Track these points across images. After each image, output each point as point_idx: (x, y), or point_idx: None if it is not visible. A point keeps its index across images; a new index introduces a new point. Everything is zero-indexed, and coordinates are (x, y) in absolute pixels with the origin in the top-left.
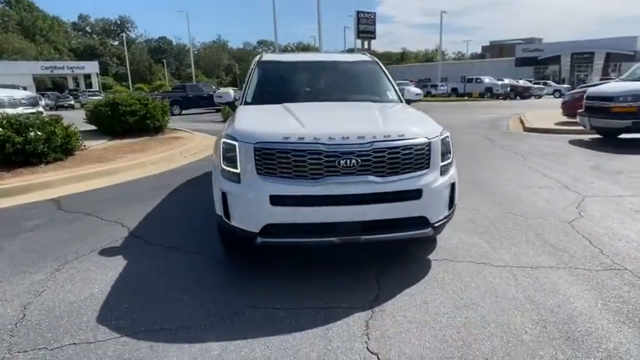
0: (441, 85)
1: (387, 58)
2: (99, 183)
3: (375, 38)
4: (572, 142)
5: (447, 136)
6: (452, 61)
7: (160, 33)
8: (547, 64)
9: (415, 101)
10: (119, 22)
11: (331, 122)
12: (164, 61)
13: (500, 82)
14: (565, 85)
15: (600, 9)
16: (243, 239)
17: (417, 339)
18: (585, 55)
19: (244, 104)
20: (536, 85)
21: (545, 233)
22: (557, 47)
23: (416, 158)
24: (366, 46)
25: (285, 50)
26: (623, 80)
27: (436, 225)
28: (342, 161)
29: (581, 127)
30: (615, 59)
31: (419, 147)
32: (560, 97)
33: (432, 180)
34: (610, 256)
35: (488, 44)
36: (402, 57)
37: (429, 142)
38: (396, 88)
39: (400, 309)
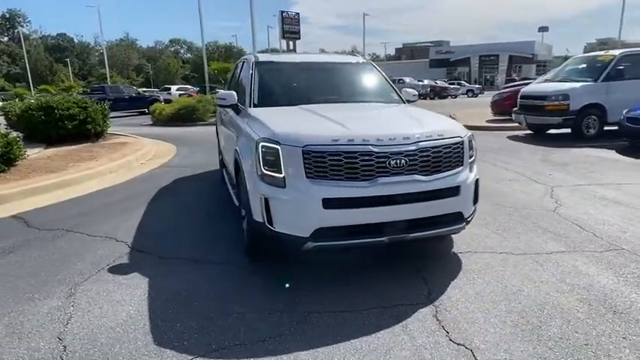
0: None
1: None
2: (60, 195)
3: (299, 39)
4: (510, 137)
5: (472, 134)
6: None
7: (57, 29)
8: (458, 65)
9: (413, 102)
10: (8, 16)
11: (370, 124)
12: (67, 60)
13: (420, 83)
14: (477, 86)
15: (498, 16)
16: (289, 245)
17: (490, 327)
18: (491, 58)
19: (253, 106)
20: (452, 86)
21: (540, 222)
22: (466, 50)
23: (454, 156)
24: (291, 47)
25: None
26: (549, 81)
27: (468, 220)
28: (392, 161)
29: (513, 124)
30: (517, 61)
31: (455, 145)
32: (472, 96)
33: (466, 177)
34: (604, 238)
35: (401, 46)
36: None
37: (462, 140)
38: (396, 89)
39: (458, 301)
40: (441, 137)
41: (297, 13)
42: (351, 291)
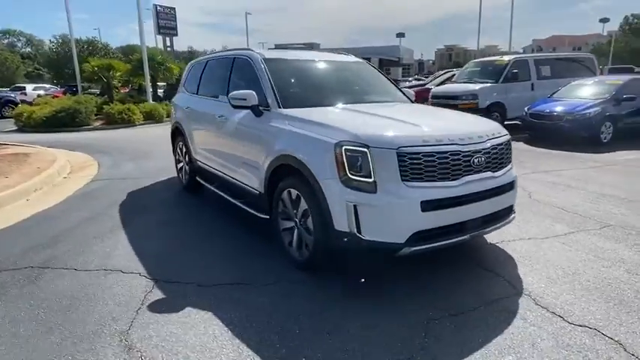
0: None
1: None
2: None
3: (177, 35)
4: None
5: None
6: None
7: None
8: None
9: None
10: None
11: (439, 124)
12: None
13: None
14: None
15: (358, 21)
16: (380, 252)
17: (596, 305)
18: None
19: (282, 107)
20: None
21: (532, 208)
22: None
23: (508, 152)
24: (168, 44)
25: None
26: (456, 82)
27: (515, 211)
28: (475, 159)
29: None
30: (386, 64)
31: (507, 142)
32: None
33: (514, 171)
34: (590, 217)
35: (273, 47)
36: (191, 57)
37: (509, 138)
38: (400, 88)
39: (546, 287)
40: (500, 135)
41: (173, 8)
42: (444, 292)
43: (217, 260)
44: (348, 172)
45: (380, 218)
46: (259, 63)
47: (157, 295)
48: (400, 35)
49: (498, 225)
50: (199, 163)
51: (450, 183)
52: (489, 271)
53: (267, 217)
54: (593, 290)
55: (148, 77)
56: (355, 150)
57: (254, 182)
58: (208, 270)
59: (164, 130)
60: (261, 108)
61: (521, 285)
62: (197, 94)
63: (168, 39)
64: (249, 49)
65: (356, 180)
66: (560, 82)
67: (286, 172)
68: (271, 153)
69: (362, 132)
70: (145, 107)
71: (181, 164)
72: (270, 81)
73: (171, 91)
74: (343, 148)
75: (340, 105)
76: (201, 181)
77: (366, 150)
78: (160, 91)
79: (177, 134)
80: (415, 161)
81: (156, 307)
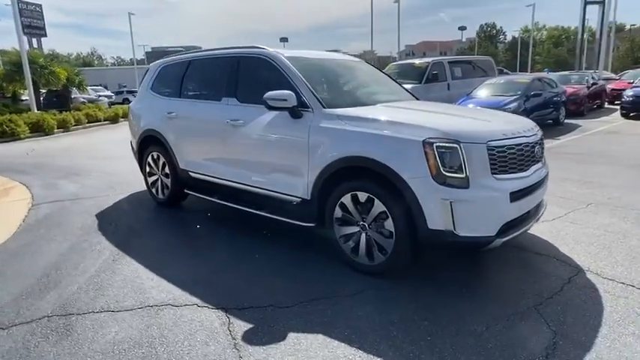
0: None
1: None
2: None
3: (46, 35)
4: None
5: None
6: (128, 67)
7: None
8: None
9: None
10: None
11: (495, 119)
12: None
13: None
14: None
15: (238, 24)
16: (471, 248)
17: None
18: None
19: (324, 108)
20: None
21: None
22: None
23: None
24: (35, 45)
25: None
26: None
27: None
28: (536, 150)
29: None
30: None
31: (542, 136)
32: None
33: None
34: (569, 198)
35: (150, 50)
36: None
37: None
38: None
39: (596, 262)
40: (539, 129)
41: (40, 5)
42: (522, 282)
43: (271, 277)
44: (441, 169)
45: (474, 213)
46: (285, 62)
47: (241, 324)
48: (284, 40)
49: (543, 211)
50: (192, 174)
51: (524, 173)
52: (539, 254)
53: (313, 224)
54: (634, 259)
55: (30, 83)
56: (447, 146)
57: (293, 189)
58: (271, 289)
59: (68, 142)
60: (302, 110)
61: (574, 263)
62: (180, 97)
63: (35, 40)
64: (260, 47)
65: (449, 176)
66: (469, 82)
67: (348, 175)
68: (327, 156)
69: (450, 128)
70: (30, 117)
71: (154, 177)
72: (304, 81)
73: (56, 98)
74: (434, 145)
75: (380, 103)
76: (194, 194)
77: (457, 146)
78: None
79: (151, 144)
80: (501, 154)
81: (255, 339)
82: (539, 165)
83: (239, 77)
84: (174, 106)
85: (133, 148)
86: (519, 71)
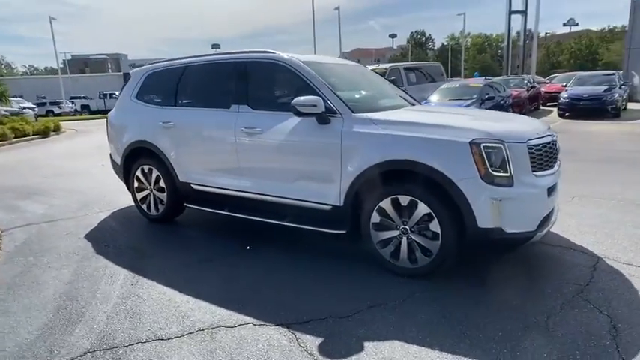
0: (67, 103)
1: None
2: None
3: None
4: None
5: None
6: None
7: None
8: None
9: None
10: None
11: (522, 120)
12: None
13: None
14: None
15: (166, 32)
16: (515, 244)
17: None
18: None
19: (354, 112)
20: None
21: None
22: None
23: None
24: None
25: None
26: None
27: None
28: (557, 149)
29: None
30: None
31: None
32: None
33: None
34: None
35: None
36: None
37: None
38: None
39: (607, 248)
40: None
41: None
42: (552, 275)
43: (312, 288)
44: (489, 169)
45: (519, 210)
46: (305, 67)
47: (310, 339)
48: (216, 46)
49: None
50: (195, 187)
51: (552, 170)
52: (556, 246)
53: (344, 231)
54: (638, 244)
55: None
56: (493, 147)
57: (322, 196)
58: (320, 300)
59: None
60: (329, 116)
61: (590, 251)
62: (176, 105)
63: None
64: (271, 52)
65: (496, 176)
66: (423, 87)
67: (388, 179)
68: (365, 161)
69: (492, 129)
70: None
71: (145, 193)
72: (328, 86)
73: None
74: (481, 145)
75: (402, 108)
76: (197, 208)
77: (502, 145)
78: None
79: (141, 157)
80: (537, 152)
81: (334, 352)
82: (558, 162)
83: (250, 83)
84: (171, 116)
85: (113, 162)
86: (452, 76)
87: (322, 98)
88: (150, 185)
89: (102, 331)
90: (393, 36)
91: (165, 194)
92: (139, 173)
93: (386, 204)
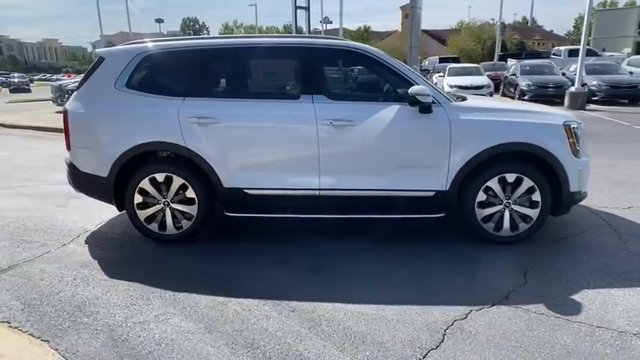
0: None
1: None
2: None
3: None
4: None
5: None
6: None
7: None
8: None
9: None
10: None
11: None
12: None
13: None
14: None
15: None
16: (579, 202)
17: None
18: None
19: (452, 101)
20: None
21: None
22: None
23: None
24: None
25: None
26: None
27: None
28: None
29: None
30: None
31: None
32: None
33: None
34: None
35: None
36: None
37: None
38: None
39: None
40: None
41: None
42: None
43: (439, 277)
44: (576, 145)
45: (586, 175)
46: (392, 59)
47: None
48: None
49: None
50: (251, 191)
51: None
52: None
53: (442, 214)
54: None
55: None
56: (575, 127)
57: (426, 184)
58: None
59: None
60: (434, 104)
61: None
62: (213, 96)
63: None
64: (344, 39)
65: (577, 150)
66: None
67: (497, 160)
68: (476, 146)
69: (567, 114)
70: None
71: (154, 209)
72: (422, 77)
73: None
74: (570, 126)
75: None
76: (247, 215)
77: (579, 125)
78: None
79: (151, 163)
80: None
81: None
82: None
83: (322, 72)
84: (209, 109)
85: (83, 174)
86: None
87: (392, 84)
88: (166, 198)
89: None
90: (159, 21)
91: (194, 206)
92: (145, 185)
93: (493, 183)
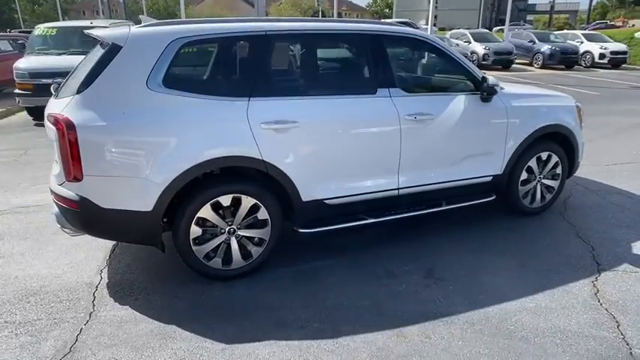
0: None
1: None
2: None
3: None
4: None
5: None
6: None
7: None
8: None
9: None
10: None
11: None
12: None
13: None
14: None
15: None
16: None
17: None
18: None
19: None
20: None
21: None
22: None
23: None
24: None
25: None
26: None
27: None
28: None
29: None
30: None
31: None
32: None
33: None
34: None
35: None
36: None
37: None
38: None
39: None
40: None
41: None
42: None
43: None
44: (580, 123)
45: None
46: (448, 47)
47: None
48: None
49: None
50: (331, 202)
51: None
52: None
53: (493, 197)
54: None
55: None
56: (579, 107)
57: (484, 170)
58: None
59: None
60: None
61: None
62: (285, 95)
63: None
64: (407, 23)
65: (581, 126)
66: None
67: (536, 142)
68: (525, 130)
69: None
70: None
71: (216, 241)
72: (464, 57)
73: None
74: (579, 107)
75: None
76: (322, 229)
77: (580, 106)
78: None
79: (210, 185)
80: None
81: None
82: None
83: (393, 63)
84: (285, 111)
85: (105, 211)
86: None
87: (471, 76)
88: (231, 225)
89: None
90: None
91: (266, 229)
92: (205, 213)
93: (532, 162)
